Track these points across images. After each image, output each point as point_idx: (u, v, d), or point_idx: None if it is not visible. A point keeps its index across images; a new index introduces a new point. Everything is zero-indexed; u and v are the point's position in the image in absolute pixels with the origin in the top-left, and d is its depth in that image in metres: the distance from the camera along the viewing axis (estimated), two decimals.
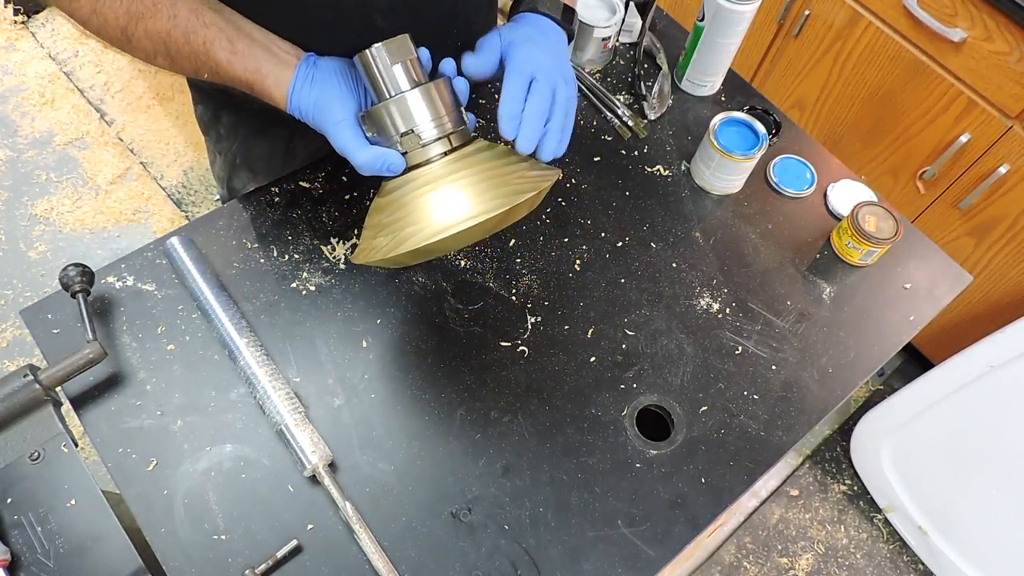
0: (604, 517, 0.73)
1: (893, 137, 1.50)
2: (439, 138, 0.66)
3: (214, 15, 0.66)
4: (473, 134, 0.70)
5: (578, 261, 0.89)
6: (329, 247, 0.86)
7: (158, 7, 0.64)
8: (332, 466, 0.73)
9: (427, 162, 0.66)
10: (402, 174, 0.66)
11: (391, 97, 0.65)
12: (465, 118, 0.69)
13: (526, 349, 0.82)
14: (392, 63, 0.65)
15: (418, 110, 0.65)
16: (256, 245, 0.86)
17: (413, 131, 0.65)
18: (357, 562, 0.69)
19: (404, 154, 0.66)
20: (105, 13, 0.63)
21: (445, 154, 0.66)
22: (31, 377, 0.69)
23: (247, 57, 0.67)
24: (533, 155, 0.69)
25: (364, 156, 0.65)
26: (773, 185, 0.97)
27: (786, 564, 1.65)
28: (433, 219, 0.63)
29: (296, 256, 0.86)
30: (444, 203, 0.63)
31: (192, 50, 0.66)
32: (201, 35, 0.65)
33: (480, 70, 0.70)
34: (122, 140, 2.09)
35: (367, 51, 0.65)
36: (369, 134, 0.67)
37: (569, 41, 0.77)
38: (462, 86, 0.69)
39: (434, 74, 0.70)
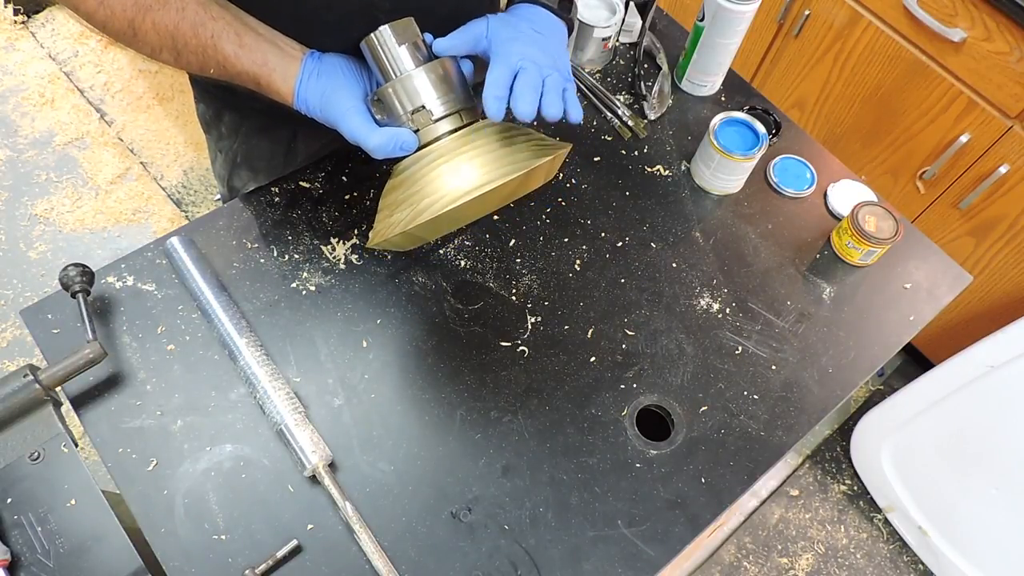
0: (604, 517, 0.73)
1: (893, 137, 1.50)
2: (449, 114, 0.66)
3: (221, 10, 0.66)
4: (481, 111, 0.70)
5: (578, 261, 0.89)
6: (329, 247, 0.86)
7: None
8: (332, 466, 0.73)
9: (438, 139, 0.66)
10: (413, 152, 0.67)
11: (399, 77, 0.66)
12: (472, 96, 0.69)
13: (526, 349, 0.82)
14: (399, 44, 0.66)
15: (427, 87, 0.65)
16: (256, 245, 0.86)
17: (424, 107, 0.65)
18: (357, 562, 0.69)
19: (415, 132, 0.66)
20: (112, 5, 0.63)
21: (455, 130, 0.67)
22: (31, 377, 0.69)
23: (254, 51, 0.67)
24: (542, 130, 0.68)
25: (377, 138, 0.65)
26: (773, 185, 0.97)
27: (786, 564, 1.65)
28: (450, 188, 0.63)
29: (296, 256, 0.86)
30: (460, 172, 0.64)
31: (200, 44, 0.66)
32: (209, 28, 0.65)
33: (448, 53, 0.68)
34: (122, 140, 2.09)
35: (373, 34, 0.66)
36: (378, 117, 0.67)
37: (569, 32, 0.76)
38: (467, 66, 0.69)
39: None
